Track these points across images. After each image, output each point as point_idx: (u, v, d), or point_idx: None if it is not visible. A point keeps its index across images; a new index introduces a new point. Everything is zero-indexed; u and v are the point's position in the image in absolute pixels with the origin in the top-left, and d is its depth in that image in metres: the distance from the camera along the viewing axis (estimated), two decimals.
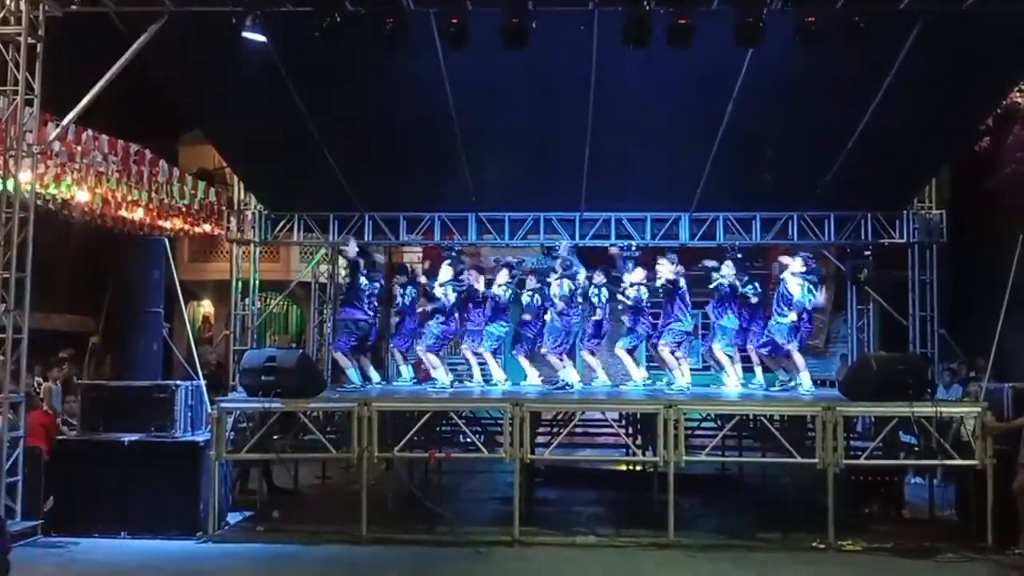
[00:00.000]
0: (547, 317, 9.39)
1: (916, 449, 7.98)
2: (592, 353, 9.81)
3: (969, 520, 7.41)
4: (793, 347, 9.00)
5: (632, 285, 9.33)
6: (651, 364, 10.18)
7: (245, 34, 7.40)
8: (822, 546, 7.09)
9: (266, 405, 7.49)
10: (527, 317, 9.54)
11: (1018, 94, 11.73)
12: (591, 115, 8.74)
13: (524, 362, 9.65)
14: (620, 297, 9.46)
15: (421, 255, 12.88)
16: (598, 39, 7.77)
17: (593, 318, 9.54)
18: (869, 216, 10.53)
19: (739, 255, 9.69)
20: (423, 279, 9.89)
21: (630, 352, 9.66)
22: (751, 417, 8.63)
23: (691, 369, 9.65)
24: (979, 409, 7.33)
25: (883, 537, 7.42)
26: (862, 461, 7.65)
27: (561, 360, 9.31)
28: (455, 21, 7.35)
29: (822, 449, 7.22)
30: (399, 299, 9.77)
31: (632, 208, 10.55)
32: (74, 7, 7.69)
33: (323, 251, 11.87)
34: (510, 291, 9.66)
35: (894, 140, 9.07)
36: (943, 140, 9.56)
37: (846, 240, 10.72)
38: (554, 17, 7.51)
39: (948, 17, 7.51)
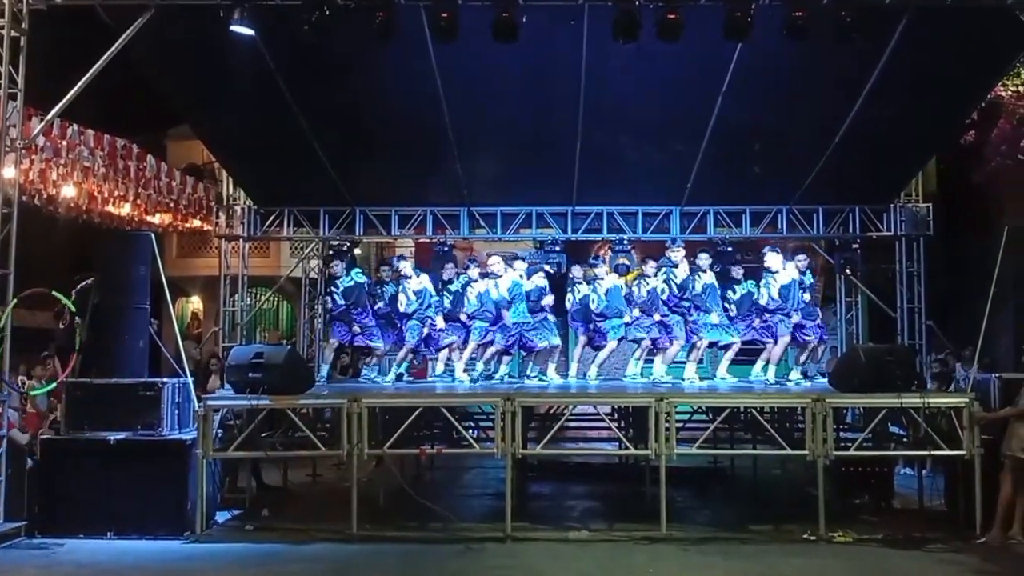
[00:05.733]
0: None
1: (905, 440, 8.03)
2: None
3: (958, 510, 7.47)
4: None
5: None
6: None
7: (233, 27, 7.33)
8: (813, 538, 7.10)
9: (253, 402, 7.41)
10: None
11: (1002, 88, 11.81)
12: (582, 109, 8.74)
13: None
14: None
15: (413, 250, 12.83)
16: (588, 33, 7.75)
17: None
18: (857, 209, 10.61)
19: (729, 248, 9.70)
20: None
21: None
22: (742, 410, 8.65)
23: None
24: (966, 400, 7.38)
25: (873, 528, 7.45)
26: (852, 452, 7.69)
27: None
28: (445, 15, 7.33)
29: (812, 441, 7.25)
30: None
31: (623, 202, 10.56)
32: (59, 0, 7.58)
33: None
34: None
35: (881, 134, 9.12)
36: (930, 134, 9.62)
37: (834, 233, 10.79)
38: (544, 11, 7.50)
39: (934, 12, 7.57)
